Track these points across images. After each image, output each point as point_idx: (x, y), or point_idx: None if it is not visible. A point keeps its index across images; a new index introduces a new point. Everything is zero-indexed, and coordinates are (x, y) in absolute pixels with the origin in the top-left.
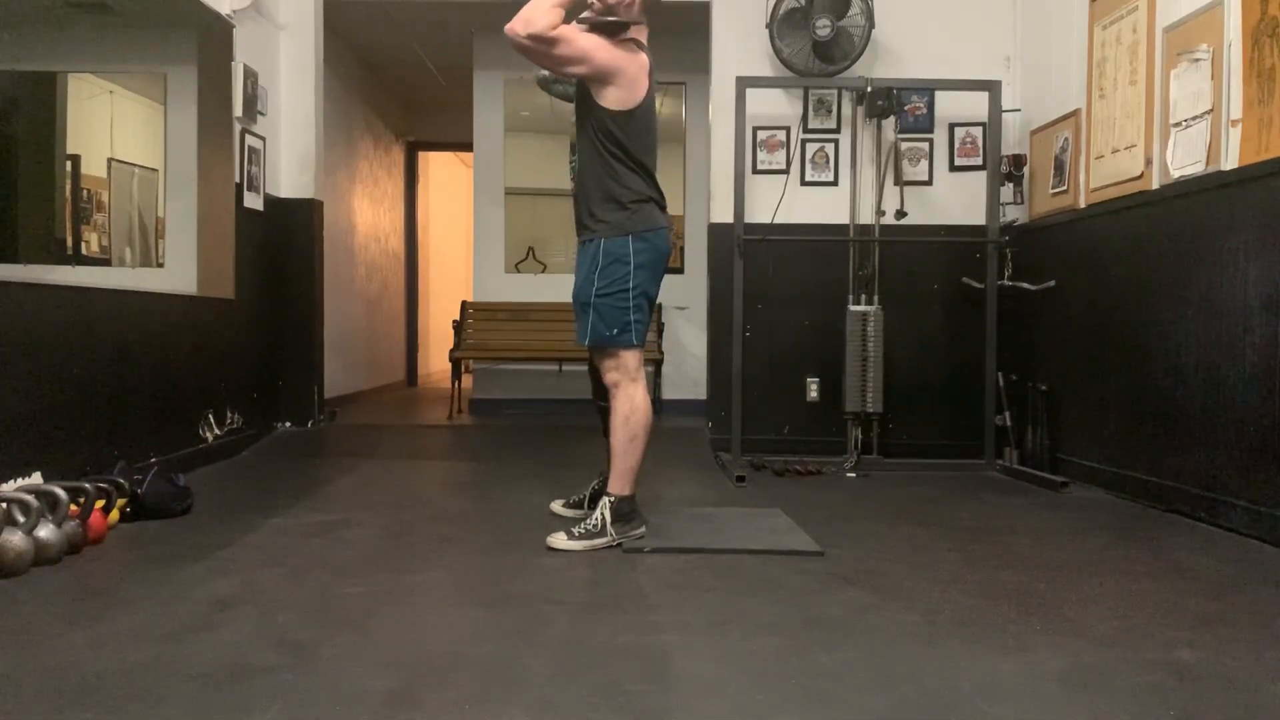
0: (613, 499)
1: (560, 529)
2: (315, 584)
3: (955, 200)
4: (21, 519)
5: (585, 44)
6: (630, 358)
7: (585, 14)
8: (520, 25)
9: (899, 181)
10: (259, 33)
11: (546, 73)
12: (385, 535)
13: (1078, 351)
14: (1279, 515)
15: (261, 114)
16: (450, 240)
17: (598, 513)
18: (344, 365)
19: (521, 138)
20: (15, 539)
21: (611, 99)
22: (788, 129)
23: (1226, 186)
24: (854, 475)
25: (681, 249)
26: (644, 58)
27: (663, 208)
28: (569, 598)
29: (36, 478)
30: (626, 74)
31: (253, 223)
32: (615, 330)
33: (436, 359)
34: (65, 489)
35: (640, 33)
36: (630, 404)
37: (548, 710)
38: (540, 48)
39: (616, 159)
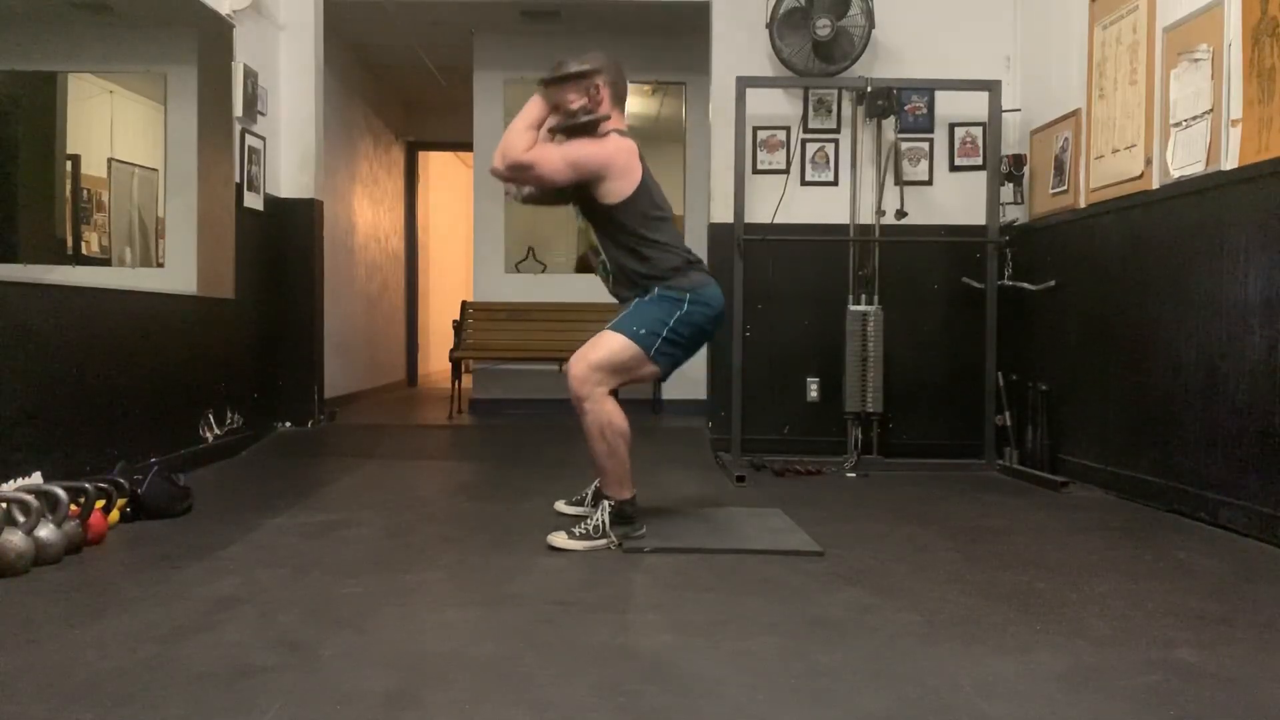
0: (612, 502)
1: (562, 528)
2: (315, 584)
3: (955, 200)
4: (21, 519)
5: (566, 153)
6: (616, 365)
7: (555, 122)
8: (499, 160)
9: (899, 181)
10: (259, 33)
11: (528, 189)
12: (385, 535)
13: (1078, 351)
14: (1279, 515)
15: (261, 114)
16: (450, 240)
17: (598, 514)
18: (344, 365)
19: None
20: (15, 539)
21: (610, 193)
22: (788, 129)
23: (1226, 186)
24: (854, 475)
25: None
26: (628, 142)
27: (705, 270)
28: (569, 598)
29: (36, 478)
30: (616, 165)
31: (253, 223)
32: (642, 330)
33: (436, 359)
34: (65, 489)
35: (618, 121)
36: (601, 418)
37: (548, 710)
38: (525, 174)
39: (641, 241)
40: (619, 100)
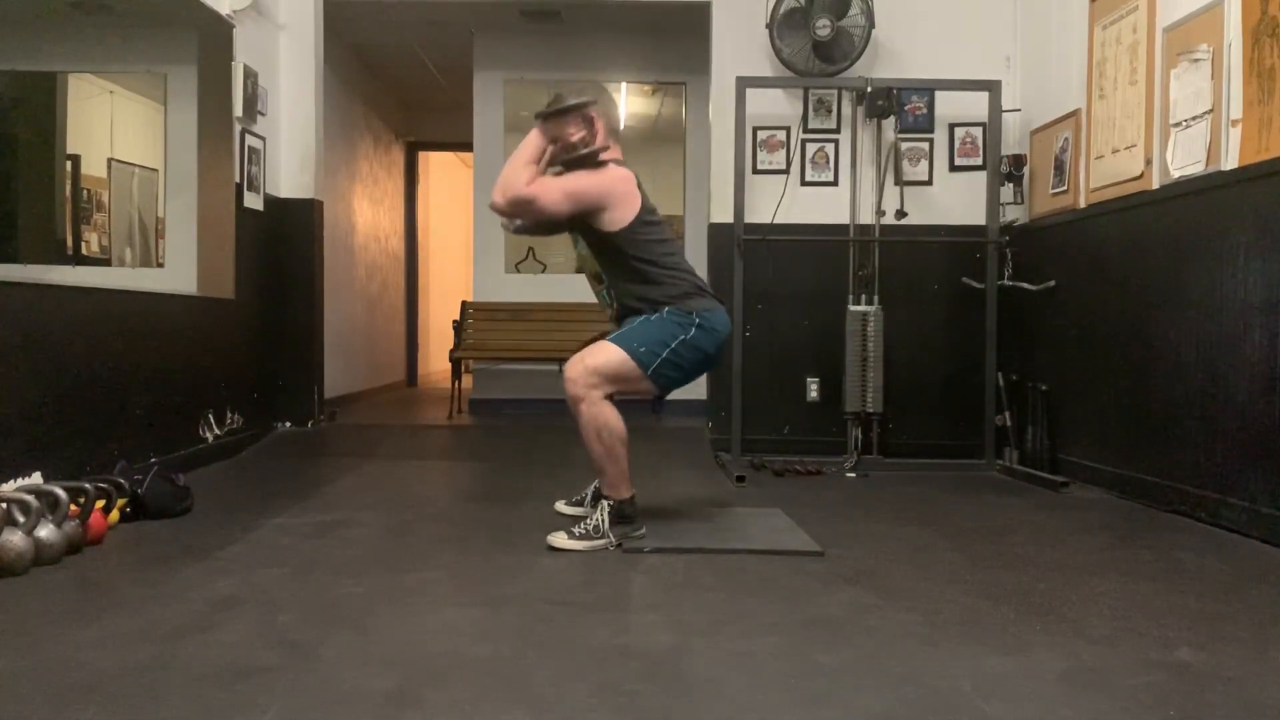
0: (611, 502)
1: (562, 528)
2: (315, 584)
3: (955, 200)
4: (21, 519)
5: (565, 185)
6: (612, 375)
7: (556, 156)
8: (499, 195)
9: (899, 181)
10: (259, 33)
11: (522, 220)
12: (385, 535)
13: (1078, 351)
14: (1279, 515)
15: (261, 114)
16: (450, 240)
17: (598, 514)
18: (344, 365)
19: (521, 138)
20: (15, 539)
21: (612, 222)
22: (788, 129)
23: (1226, 186)
24: (854, 475)
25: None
26: (625, 171)
27: (713, 295)
28: (569, 598)
29: (36, 478)
30: (615, 194)
31: (253, 223)
32: (643, 348)
33: (436, 359)
34: (65, 489)
35: (615, 152)
36: (598, 419)
37: (548, 710)
38: (524, 208)
39: (650, 265)
40: (613, 131)
